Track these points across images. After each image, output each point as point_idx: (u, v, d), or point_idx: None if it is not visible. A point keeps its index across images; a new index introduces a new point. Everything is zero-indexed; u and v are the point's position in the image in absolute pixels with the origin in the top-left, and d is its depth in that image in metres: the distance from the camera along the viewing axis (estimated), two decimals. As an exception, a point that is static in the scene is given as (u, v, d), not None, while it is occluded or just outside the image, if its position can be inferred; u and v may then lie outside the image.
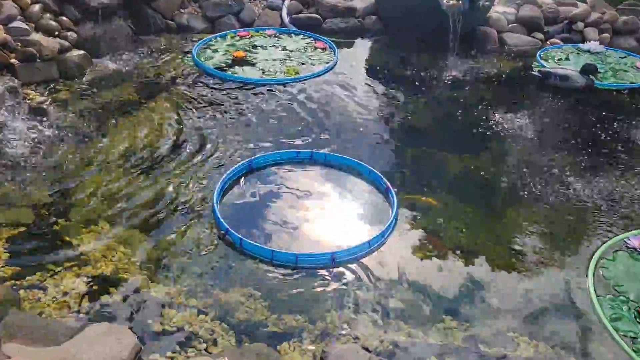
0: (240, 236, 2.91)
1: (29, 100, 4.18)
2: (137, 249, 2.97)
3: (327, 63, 5.24)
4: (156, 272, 2.85)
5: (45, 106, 4.15)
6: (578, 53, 5.72)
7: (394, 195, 3.32)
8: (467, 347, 2.54)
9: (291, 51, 5.49)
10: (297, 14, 6.18)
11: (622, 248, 3.12)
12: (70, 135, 3.92)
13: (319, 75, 5.03)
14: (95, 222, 3.13)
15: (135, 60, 5.15)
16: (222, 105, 4.49)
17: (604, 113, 4.61)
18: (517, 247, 3.14)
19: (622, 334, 2.58)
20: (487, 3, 5.44)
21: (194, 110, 4.40)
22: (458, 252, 3.07)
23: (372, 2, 6.21)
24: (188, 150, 3.85)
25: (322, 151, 3.79)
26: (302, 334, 2.58)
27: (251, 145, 3.90)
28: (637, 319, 2.65)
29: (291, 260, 2.83)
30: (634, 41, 6.06)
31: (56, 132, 3.94)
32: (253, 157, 3.60)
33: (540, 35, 6.05)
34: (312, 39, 5.79)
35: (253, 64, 5.17)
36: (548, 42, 5.99)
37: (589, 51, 5.71)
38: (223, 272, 2.87)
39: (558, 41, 5.99)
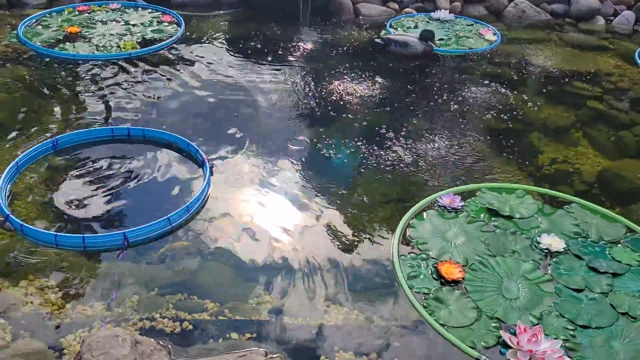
0: (21, 222, 2.65)
1: None
2: None
3: (170, 37, 4.98)
4: None
5: None
6: (428, 21, 5.80)
7: (208, 168, 3.17)
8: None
9: (133, 25, 5.17)
10: (146, -14, 5.85)
11: (434, 207, 3.15)
12: None
13: (158, 50, 4.77)
14: None
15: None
16: (42, 86, 4.15)
17: (439, 76, 4.70)
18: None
19: (416, 290, 2.59)
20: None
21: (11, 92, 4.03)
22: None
23: (226, -27, 5.99)
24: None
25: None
26: (99, 322, 2.41)
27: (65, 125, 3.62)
28: (434, 275, 2.67)
29: (78, 244, 2.61)
30: (483, 9, 6.24)
31: None
32: (58, 136, 3.31)
33: (395, 5, 6.09)
34: (159, 12, 5.49)
35: (88, 40, 4.82)
36: (403, 12, 6.05)
37: (438, 19, 5.81)
38: (9, 263, 2.62)
39: (412, 10, 6.06)
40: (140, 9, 5.55)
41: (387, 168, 3.49)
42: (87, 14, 5.31)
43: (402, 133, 3.86)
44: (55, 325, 2.40)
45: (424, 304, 2.52)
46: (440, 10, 5.92)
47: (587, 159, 3.77)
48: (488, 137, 3.92)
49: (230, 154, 3.49)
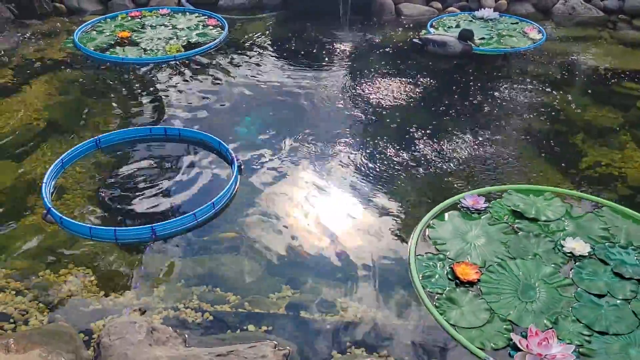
0: (61, 215, 2.87)
1: None
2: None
3: (214, 40, 5.17)
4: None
5: None
6: (471, 20, 5.73)
7: (237, 167, 3.30)
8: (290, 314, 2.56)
9: (180, 29, 5.40)
10: (194, -8, 6.09)
11: (458, 208, 3.14)
12: None
13: (201, 53, 4.96)
14: None
15: (13, 45, 5.03)
16: (93, 87, 4.42)
17: (478, 76, 4.64)
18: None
19: (429, 290, 2.61)
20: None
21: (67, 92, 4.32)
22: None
23: (270, -23, 6.14)
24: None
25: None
26: (123, 310, 2.57)
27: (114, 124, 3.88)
28: (449, 276, 2.68)
29: (110, 236, 2.80)
30: (530, 7, 6.09)
31: None
32: (100, 135, 3.53)
33: (438, 5, 6.05)
34: (205, 16, 5.71)
35: (137, 44, 5.08)
36: (446, 11, 6.00)
37: (482, 18, 5.72)
38: (50, 252, 2.84)
39: (455, 9, 6.00)
40: (188, 13, 5.78)
41: (420, 168, 3.51)
42: (138, 20, 5.59)
43: (437, 133, 3.86)
44: (88, 312, 2.58)
45: (436, 304, 2.54)
46: (484, 8, 5.83)
47: (634, 162, 3.63)
48: (528, 139, 3.85)
49: (267, 154, 3.60)
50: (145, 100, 4.26)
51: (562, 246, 2.84)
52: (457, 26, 5.54)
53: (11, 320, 2.52)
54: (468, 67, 4.81)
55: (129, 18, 5.62)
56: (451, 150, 3.68)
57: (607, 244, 2.87)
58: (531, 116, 4.12)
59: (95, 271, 2.76)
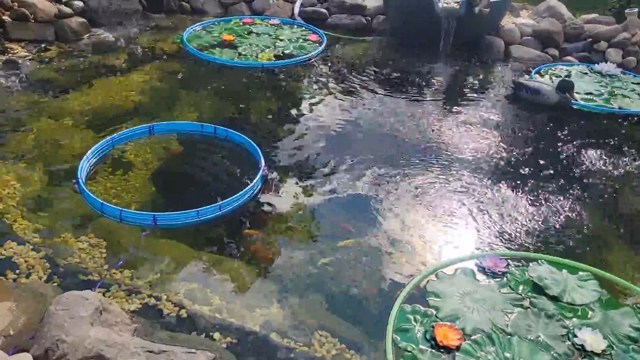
0: (84, 187, 3.09)
1: (10, 54, 4.70)
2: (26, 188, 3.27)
3: (307, 54, 5.27)
4: (29, 210, 3.10)
5: (20, 60, 4.65)
6: (586, 73, 5.20)
7: (261, 175, 3.32)
8: None
9: (280, 40, 5.58)
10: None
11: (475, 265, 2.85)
12: (38, 88, 4.34)
13: (289, 65, 5.08)
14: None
15: (134, 34, 5.55)
16: (188, 81, 4.72)
17: (571, 133, 4.19)
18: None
19: (399, 345, 2.38)
20: (486, 9, 5.13)
21: (162, 80, 4.67)
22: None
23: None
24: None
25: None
26: (111, 287, 2.70)
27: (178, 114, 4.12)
28: (427, 335, 2.43)
29: (116, 215, 2.96)
30: (665, 69, 5.39)
31: (24, 83, 4.40)
32: (154, 123, 3.76)
33: (554, 52, 5.58)
34: (309, 31, 5.84)
35: (235, 47, 5.34)
36: (562, 59, 5.52)
37: (600, 72, 5.17)
38: (81, 218, 3.06)
39: (573, 59, 5.49)
40: (296, 26, 5.96)
41: (470, 215, 3.28)
42: (248, 26, 5.88)
43: (506, 181, 3.59)
44: (84, 280, 2.72)
45: (398, 361, 2.31)
46: (607, 62, 5.27)
47: None
48: (609, 216, 3.38)
49: (310, 174, 3.58)
50: (220, 100, 4.45)
51: (575, 335, 2.44)
52: (567, 76, 5.06)
53: (17, 271, 2.74)
54: (563, 122, 4.37)
55: (241, 24, 5.93)
56: (518, 205, 3.38)
57: (632, 346, 2.41)
58: (622, 191, 3.60)
59: (110, 246, 2.90)
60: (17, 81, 4.42)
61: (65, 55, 4.96)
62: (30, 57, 4.78)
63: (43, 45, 5.00)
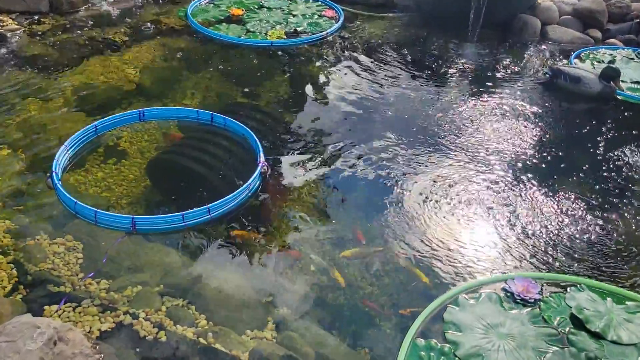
0: (57, 182, 2.73)
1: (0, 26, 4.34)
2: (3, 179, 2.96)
3: (321, 32, 4.80)
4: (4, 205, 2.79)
5: (10, 34, 4.29)
6: (633, 58, 4.65)
7: (259, 170, 2.93)
8: None
9: (294, 15, 5.12)
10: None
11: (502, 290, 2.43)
12: (29, 65, 3.98)
13: (301, 44, 4.63)
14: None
15: (135, 6, 5.14)
16: (194, 59, 4.32)
17: (615, 128, 3.69)
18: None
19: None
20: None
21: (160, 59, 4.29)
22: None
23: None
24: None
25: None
26: (83, 301, 2.36)
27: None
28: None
29: (91, 217, 2.59)
30: None
31: (13, 60, 4.05)
32: (145, 109, 3.37)
33: (597, 33, 5.02)
34: (325, 6, 5.36)
35: (244, 23, 4.90)
36: (605, 42, 4.96)
37: (649, 59, 4.63)
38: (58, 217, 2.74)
39: (617, 42, 4.93)
40: (311, 1, 5.48)
41: (497, 224, 2.87)
42: (260, -1, 5.42)
43: (541, 189, 3.14)
44: (54, 292, 2.38)
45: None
46: (657, 46, 4.71)
47: None
48: None
49: (318, 172, 3.20)
50: (224, 82, 4.04)
51: (622, 386, 2.03)
52: (611, 62, 4.52)
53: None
54: (608, 115, 3.87)
55: (254, -4, 5.47)
56: (550, 215, 2.93)
57: (693, 403, 1.99)
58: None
59: (87, 249, 2.57)
60: (5, 57, 4.08)
61: (59, 28, 4.60)
62: (21, 30, 4.41)
63: (36, 18, 4.63)
